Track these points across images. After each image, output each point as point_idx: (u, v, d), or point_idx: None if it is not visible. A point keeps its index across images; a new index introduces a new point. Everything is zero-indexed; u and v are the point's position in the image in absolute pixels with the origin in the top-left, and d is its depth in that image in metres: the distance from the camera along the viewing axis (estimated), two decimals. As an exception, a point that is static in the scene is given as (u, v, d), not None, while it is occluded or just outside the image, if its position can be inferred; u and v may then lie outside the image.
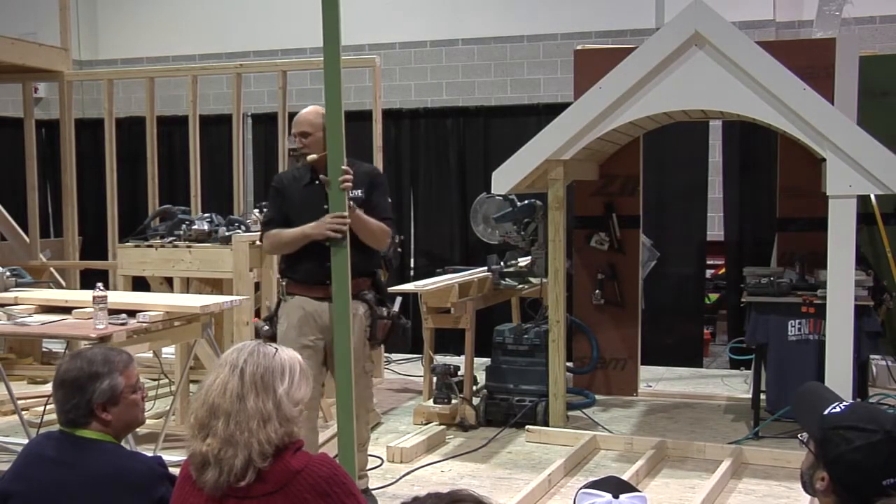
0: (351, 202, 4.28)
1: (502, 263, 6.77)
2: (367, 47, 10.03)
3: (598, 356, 6.88)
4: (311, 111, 4.49)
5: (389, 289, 5.15)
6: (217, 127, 9.04)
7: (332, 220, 4.13)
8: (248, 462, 2.31)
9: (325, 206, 4.29)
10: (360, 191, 4.43)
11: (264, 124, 9.45)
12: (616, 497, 2.51)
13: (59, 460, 2.65)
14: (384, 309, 4.56)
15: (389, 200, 4.66)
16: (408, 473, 5.15)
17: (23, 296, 5.16)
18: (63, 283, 8.03)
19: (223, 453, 2.31)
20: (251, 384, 2.36)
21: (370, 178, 4.55)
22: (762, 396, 5.98)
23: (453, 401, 6.11)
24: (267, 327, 4.61)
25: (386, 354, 7.75)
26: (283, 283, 4.60)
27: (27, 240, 8.34)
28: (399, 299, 4.80)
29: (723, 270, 8.60)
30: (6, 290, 5.30)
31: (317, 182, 4.37)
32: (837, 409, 2.17)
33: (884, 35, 8.96)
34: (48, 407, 5.20)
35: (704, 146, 7.90)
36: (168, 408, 5.60)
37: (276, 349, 2.45)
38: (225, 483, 2.31)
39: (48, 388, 4.90)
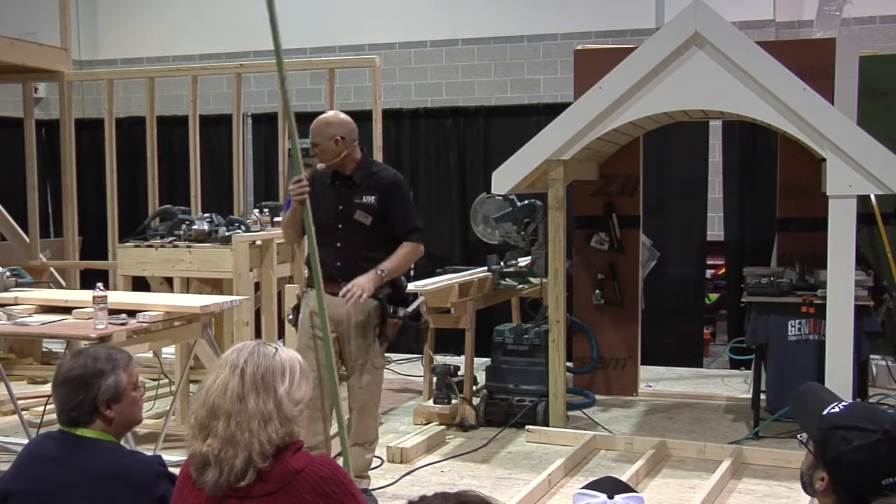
0: (381, 271, 4.44)
1: (502, 263, 6.76)
2: (367, 47, 10.04)
3: (598, 356, 6.88)
4: (320, 120, 4.62)
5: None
6: (217, 127, 9.04)
7: (292, 187, 4.30)
8: (249, 462, 2.31)
9: (340, 207, 4.53)
10: (373, 197, 4.54)
11: (264, 124, 9.45)
12: (611, 497, 2.51)
13: (59, 459, 2.65)
14: (396, 308, 4.61)
15: (414, 208, 4.73)
16: (408, 473, 5.16)
17: (23, 296, 5.17)
18: (63, 283, 8.03)
19: (223, 454, 2.31)
20: (252, 384, 2.36)
21: (385, 187, 4.57)
22: (762, 396, 5.98)
23: (453, 401, 6.11)
24: (291, 316, 4.82)
25: (387, 354, 7.74)
26: (305, 275, 4.77)
27: (27, 240, 8.34)
28: (421, 299, 4.83)
29: (723, 270, 8.59)
30: (6, 290, 5.30)
31: (336, 183, 4.58)
32: (836, 409, 2.18)
33: (884, 35, 8.95)
34: (48, 407, 5.20)
35: (704, 146, 7.89)
36: (168, 408, 5.59)
37: (276, 349, 2.45)
38: (225, 483, 2.31)
39: (48, 388, 4.90)
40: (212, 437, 2.33)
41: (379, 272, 4.44)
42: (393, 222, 4.55)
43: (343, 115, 4.66)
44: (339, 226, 4.54)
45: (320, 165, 4.61)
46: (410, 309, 4.67)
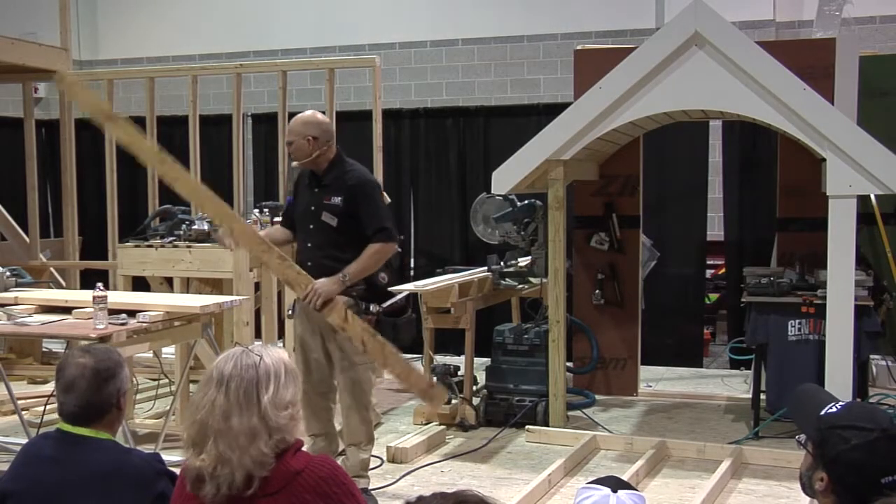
0: (345, 275, 4.42)
1: (502, 263, 6.76)
2: (367, 47, 10.04)
3: (598, 356, 6.88)
4: (297, 118, 4.67)
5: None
6: (217, 127, 9.03)
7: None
8: (250, 475, 2.29)
9: (312, 208, 4.57)
10: (339, 199, 4.53)
11: (264, 124, 9.44)
12: (614, 492, 2.52)
13: (58, 459, 2.65)
14: (369, 305, 4.57)
15: (383, 207, 4.67)
16: (408, 473, 5.15)
17: (23, 296, 5.17)
18: (63, 283, 8.03)
19: (217, 471, 2.29)
20: (235, 401, 2.32)
21: (351, 188, 4.54)
22: (762, 396, 5.98)
23: (453, 401, 6.11)
24: (290, 311, 4.87)
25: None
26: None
27: (27, 240, 8.34)
28: (400, 295, 4.81)
29: (723, 270, 8.59)
30: (6, 290, 5.30)
31: (311, 183, 4.63)
32: (834, 409, 2.18)
33: (884, 35, 8.95)
34: (48, 407, 5.20)
35: (704, 146, 7.89)
36: (168, 408, 5.60)
37: (261, 356, 2.39)
38: (226, 495, 2.30)
39: (48, 388, 4.90)
40: (205, 453, 2.31)
41: (342, 276, 4.42)
42: (362, 223, 4.51)
43: (320, 116, 4.67)
44: (311, 226, 4.58)
45: (294, 164, 4.67)
46: (385, 305, 4.65)
